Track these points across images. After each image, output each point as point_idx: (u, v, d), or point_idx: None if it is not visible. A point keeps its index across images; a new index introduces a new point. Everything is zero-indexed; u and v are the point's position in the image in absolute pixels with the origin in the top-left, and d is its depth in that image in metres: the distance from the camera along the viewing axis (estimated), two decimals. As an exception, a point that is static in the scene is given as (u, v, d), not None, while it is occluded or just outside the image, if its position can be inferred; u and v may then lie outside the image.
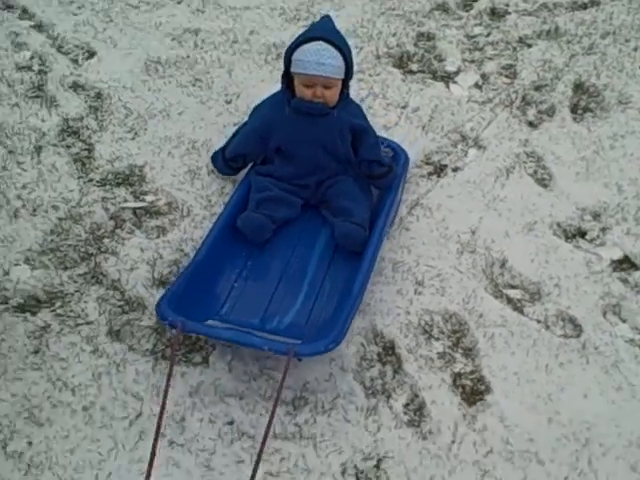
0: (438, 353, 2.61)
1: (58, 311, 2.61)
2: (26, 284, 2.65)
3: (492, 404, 2.47)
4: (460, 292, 2.78)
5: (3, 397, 2.30)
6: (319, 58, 2.55)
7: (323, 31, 2.63)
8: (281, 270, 2.62)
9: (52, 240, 2.85)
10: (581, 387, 2.54)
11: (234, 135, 2.93)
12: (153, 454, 1.97)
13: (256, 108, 2.90)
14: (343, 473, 2.24)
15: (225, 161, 2.91)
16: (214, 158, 3.00)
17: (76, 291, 2.67)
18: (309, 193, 2.79)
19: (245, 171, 2.94)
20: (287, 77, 2.68)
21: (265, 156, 2.84)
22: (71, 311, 2.59)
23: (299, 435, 2.30)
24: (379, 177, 2.82)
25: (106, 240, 2.86)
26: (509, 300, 2.81)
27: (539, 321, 2.74)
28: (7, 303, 2.58)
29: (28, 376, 2.38)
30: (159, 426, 2.03)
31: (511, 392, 2.50)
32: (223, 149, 2.92)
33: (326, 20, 2.73)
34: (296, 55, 2.60)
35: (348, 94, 2.73)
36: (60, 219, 2.92)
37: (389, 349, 2.60)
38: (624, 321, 2.80)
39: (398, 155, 2.96)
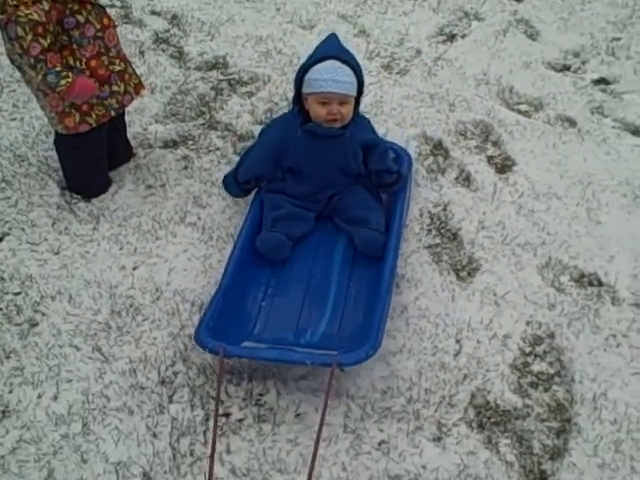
0: (474, 146, 3.43)
1: (192, 147, 3.41)
2: (162, 134, 3.47)
3: (518, 171, 3.29)
4: (482, 108, 3.62)
5: (172, 195, 3.10)
6: (334, 75, 2.48)
7: (333, 49, 2.57)
8: (305, 283, 2.52)
9: (171, 108, 3.65)
10: (580, 155, 3.38)
11: (243, 158, 2.80)
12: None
13: (265, 129, 2.84)
14: (421, 215, 3.07)
15: (238, 184, 2.78)
16: (226, 182, 2.85)
17: (200, 134, 3.47)
18: (321, 206, 2.70)
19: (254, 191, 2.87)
20: (298, 99, 2.65)
21: (275, 174, 2.76)
22: (201, 145, 3.41)
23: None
24: (390, 185, 2.74)
25: (212, 103, 3.68)
26: (519, 111, 3.65)
27: (544, 121, 3.58)
28: (152, 147, 3.40)
29: (185, 182, 3.20)
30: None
31: (531, 162, 3.33)
32: (235, 172, 2.78)
33: (332, 38, 2.67)
34: (310, 75, 2.53)
35: (359, 110, 2.71)
36: (174, 94, 3.73)
37: (438, 145, 3.43)
38: (606, 116, 3.64)
39: (401, 157, 2.89)
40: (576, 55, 4.02)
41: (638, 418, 2.27)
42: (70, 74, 2.55)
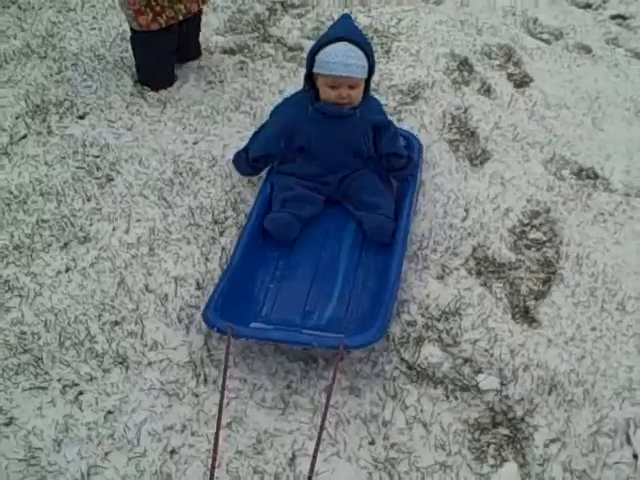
0: (497, 64, 3.80)
1: (247, 54, 3.81)
2: (222, 43, 3.90)
3: (534, 86, 3.63)
4: (507, 34, 3.96)
5: (229, 89, 3.53)
6: (345, 59, 2.41)
7: (346, 31, 2.50)
8: (313, 267, 2.47)
9: (230, 24, 4.07)
10: (592, 76, 3.71)
11: (255, 136, 2.76)
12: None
13: (277, 108, 2.75)
14: (444, 116, 3.47)
15: (248, 162, 2.73)
16: (236, 160, 2.80)
17: (255, 45, 3.88)
18: (331, 189, 2.64)
19: (265, 172, 2.84)
20: (310, 77, 2.57)
21: (286, 155, 2.69)
22: (255, 52, 3.81)
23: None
24: (399, 169, 2.70)
25: (266, 21, 4.10)
26: (541, 39, 4.00)
27: (562, 47, 3.93)
28: (213, 53, 3.84)
29: (240, 80, 3.59)
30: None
31: (546, 79, 3.67)
32: (246, 150, 2.74)
33: (346, 19, 2.60)
34: (321, 56, 2.45)
35: (369, 91, 2.64)
36: (233, 12, 4.16)
37: (464, 62, 3.80)
38: (620, 46, 3.98)
39: (411, 143, 2.86)
40: (599, -5, 4.30)
41: (613, 275, 2.63)
42: None
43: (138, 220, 2.78)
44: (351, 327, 2.17)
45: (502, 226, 2.79)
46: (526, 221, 2.84)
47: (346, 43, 2.44)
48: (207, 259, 2.62)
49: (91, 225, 2.76)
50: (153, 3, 3.17)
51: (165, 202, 2.84)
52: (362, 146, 2.61)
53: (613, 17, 4.15)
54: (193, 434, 2.13)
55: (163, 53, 3.35)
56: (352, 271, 2.46)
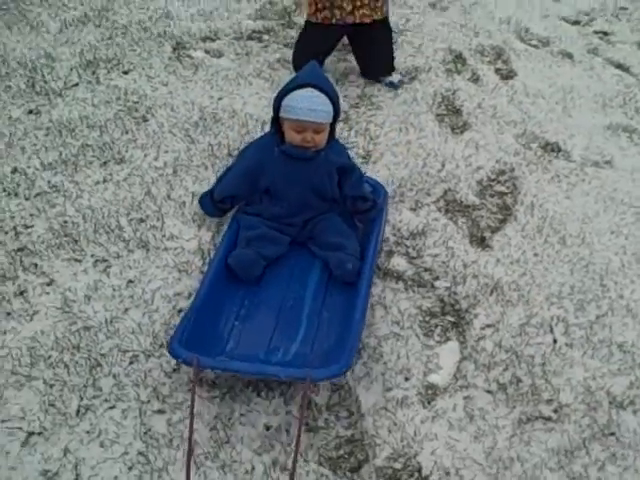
0: (487, 60, 4.30)
1: (272, 35, 4.35)
2: (252, 27, 4.48)
3: (517, 79, 4.08)
4: (500, 38, 4.47)
5: (252, 61, 4.07)
6: (310, 105, 2.43)
7: (312, 77, 2.50)
8: (278, 305, 2.44)
9: (261, 12, 4.65)
10: (569, 75, 4.18)
11: (220, 178, 2.78)
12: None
13: (243, 150, 2.79)
14: (435, 95, 3.99)
15: (214, 203, 2.74)
16: (202, 201, 2.80)
17: (280, 30, 4.45)
18: (296, 231, 2.62)
19: (232, 213, 2.81)
20: (276, 121, 2.59)
21: (251, 197, 2.69)
22: (279, 35, 4.36)
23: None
24: (364, 212, 2.69)
25: (292, 12, 4.67)
26: (530, 44, 4.52)
27: (548, 52, 4.44)
28: (241, 38, 4.42)
29: (264, 54, 4.16)
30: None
31: (529, 75, 4.13)
32: (211, 192, 2.75)
33: (313, 66, 2.59)
34: (287, 101, 2.48)
35: (335, 135, 2.65)
36: (264, 3, 4.74)
37: (459, 56, 4.31)
38: (599, 55, 4.50)
39: (377, 190, 2.84)
40: (587, 14, 4.85)
41: (559, 219, 3.07)
42: None
43: (166, 151, 3.28)
44: (316, 362, 2.13)
45: (472, 178, 3.27)
46: (493, 177, 3.31)
47: (312, 89, 2.46)
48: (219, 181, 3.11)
49: (126, 151, 3.27)
50: (318, 1, 3.55)
51: (189, 139, 3.35)
52: (326, 188, 2.59)
53: (596, 32, 4.65)
54: (197, 299, 2.55)
55: (310, 44, 3.74)
56: (317, 310, 2.42)
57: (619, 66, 4.26)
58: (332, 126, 2.57)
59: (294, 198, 2.59)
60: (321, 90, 2.47)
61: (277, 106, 2.53)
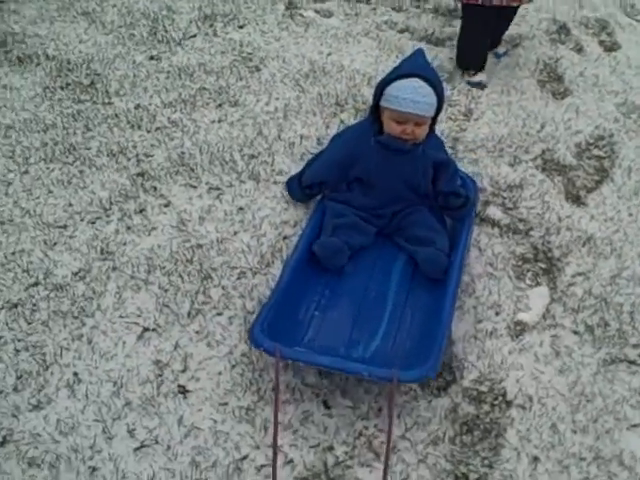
0: (592, 32, 4.29)
1: (381, 0, 4.52)
2: None
3: (620, 51, 4.05)
4: (605, 11, 4.44)
5: (362, 22, 4.20)
6: (414, 96, 2.30)
7: (417, 67, 2.37)
8: (360, 297, 2.33)
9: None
10: None
11: (310, 162, 2.69)
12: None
13: (337, 136, 2.68)
14: (537, 63, 4.02)
15: (301, 188, 2.66)
16: (289, 184, 2.74)
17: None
18: (384, 222, 2.52)
19: (317, 199, 2.72)
20: (376, 109, 2.46)
21: (340, 184, 2.60)
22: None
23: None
24: (456, 208, 2.56)
25: None
26: (635, 20, 4.50)
27: None
28: (350, 0, 4.53)
29: (371, 17, 4.33)
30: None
31: (633, 47, 4.08)
32: (300, 176, 2.67)
33: (419, 54, 2.46)
34: (390, 90, 2.35)
35: (435, 129, 2.54)
36: None
37: (563, 27, 4.34)
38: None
39: (467, 184, 2.67)
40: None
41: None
42: None
43: (277, 98, 3.45)
44: (398, 360, 2.03)
45: (570, 140, 3.31)
46: (591, 141, 3.34)
47: (417, 79, 2.33)
48: (327, 126, 3.26)
49: (240, 96, 3.45)
50: None
51: (300, 88, 3.51)
52: (421, 182, 2.49)
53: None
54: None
55: (472, 28, 3.59)
56: (401, 306, 2.31)
57: None
58: (433, 119, 2.46)
59: (386, 190, 2.50)
60: (427, 81, 2.34)
61: (378, 94, 2.41)
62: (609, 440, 2.05)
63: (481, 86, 3.63)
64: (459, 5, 3.66)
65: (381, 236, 2.54)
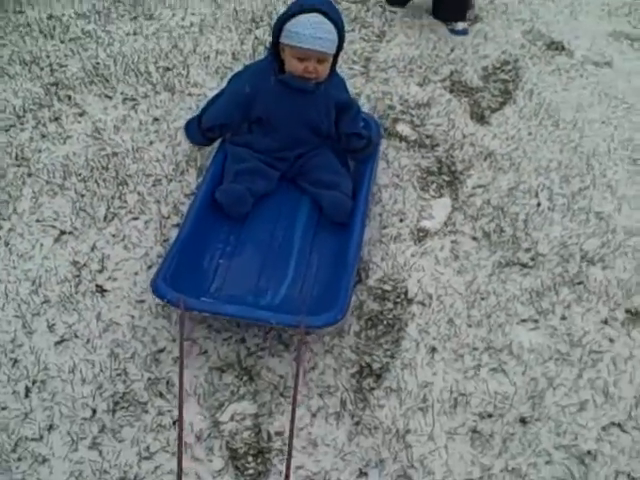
0: None
1: None
2: None
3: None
4: None
5: None
6: (315, 32, 2.17)
7: (318, 2, 2.22)
8: (266, 244, 2.25)
9: None
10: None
11: (209, 104, 2.50)
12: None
13: (236, 75, 2.50)
14: None
15: (201, 131, 2.48)
16: (188, 127, 2.54)
17: None
18: (287, 166, 2.42)
19: (218, 142, 2.55)
20: (275, 46, 2.29)
21: (241, 126, 2.45)
22: None
23: None
24: (359, 150, 2.50)
25: None
26: None
27: None
28: None
29: None
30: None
31: None
32: (199, 118, 2.48)
33: None
34: (290, 26, 2.20)
35: (336, 68, 2.40)
36: None
37: None
38: None
39: (370, 126, 2.60)
40: None
41: (555, 106, 3.24)
42: None
43: (193, 13, 3.45)
44: (307, 306, 1.95)
45: (477, 64, 3.44)
46: (497, 65, 3.48)
47: (318, 14, 2.18)
48: (242, 42, 3.29)
49: (156, 10, 3.43)
50: None
51: (215, 4, 3.53)
52: (323, 123, 2.38)
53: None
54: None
55: None
56: (307, 251, 2.25)
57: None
58: (335, 57, 2.32)
59: (287, 131, 2.38)
60: (328, 17, 2.20)
61: (278, 30, 2.24)
62: (500, 333, 2.21)
63: (464, 32, 3.67)
64: None
65: (285, 180, 2.44)
